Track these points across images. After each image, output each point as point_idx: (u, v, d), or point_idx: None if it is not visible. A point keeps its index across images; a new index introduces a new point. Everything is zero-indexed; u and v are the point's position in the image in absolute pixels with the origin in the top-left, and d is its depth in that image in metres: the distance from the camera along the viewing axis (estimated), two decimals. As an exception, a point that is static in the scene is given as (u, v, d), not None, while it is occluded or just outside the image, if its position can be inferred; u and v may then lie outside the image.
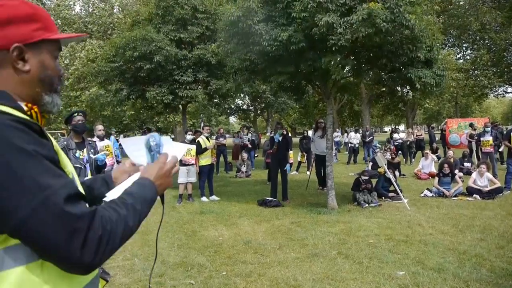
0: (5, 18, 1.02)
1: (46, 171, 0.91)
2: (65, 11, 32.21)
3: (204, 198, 9.47)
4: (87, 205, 0.99)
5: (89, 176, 4.40)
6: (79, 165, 4.30)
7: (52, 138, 1.06)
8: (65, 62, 29.46)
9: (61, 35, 1.13)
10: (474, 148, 13.83)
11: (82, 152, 4.38)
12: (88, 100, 27.79)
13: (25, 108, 1.03)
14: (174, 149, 1.41)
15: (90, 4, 35.12)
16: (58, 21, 31.45)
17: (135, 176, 1.31)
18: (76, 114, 4.52)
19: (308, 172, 12.70)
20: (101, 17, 32.97)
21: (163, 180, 1.22)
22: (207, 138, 9.64)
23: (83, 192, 1.09)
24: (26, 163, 0.88)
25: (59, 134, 23.06)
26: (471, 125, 15.50)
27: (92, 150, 4.58)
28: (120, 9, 35.26)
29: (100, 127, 6.46)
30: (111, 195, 1.18)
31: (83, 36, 1.29)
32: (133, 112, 29.89)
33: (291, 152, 14.33)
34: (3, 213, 0.87)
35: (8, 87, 1.03)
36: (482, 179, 9.21)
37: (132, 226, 1.04)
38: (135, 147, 1.41)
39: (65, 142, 4.38)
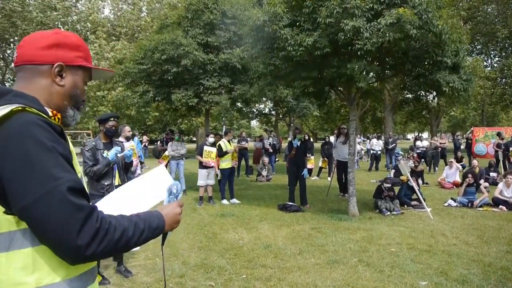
0: (58, 43, 1.27)
1: (59, 165, 1.07)
2: (95, 14, 33.07)
3: (224, 201, 9.54)
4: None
5: (117, 176, 4.51)
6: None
7: (69, 141, 1.24)
8: (93, 62, 30.19)
9: (94, 66, 1.39)
10: (500, 158, 13.50)
11: (109, 152, 4.49)
12: (114, 100, 28.38)
13: (50, 114, 1.20)
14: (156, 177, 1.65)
15: (118, 8, 35.93)
16: (88, 24, 32.29)
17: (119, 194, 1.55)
18: (112, 118, 4.64)
19: (329, 178, 12.63)
20: (129, 21, 33.67)
21: (173, 218, 1.38)
22: (228, 141, 9.73)
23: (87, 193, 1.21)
24: (43, 155, 1.04)
25: (84, 134, 23.58)
26: (498, 134, 15.13)
27: (119, 150, 4.69)
28: (147, 12, 35.92)
29: (127, 128, 6.59)
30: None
31: (111, 73, 1.55)
32: (157, 114, 30.34)
33: (312, 157, 14.30)
34: (16, 195, 1.02)
35: (42, 94, 1.23)
36: (509, 189, 8.97)
37: (131, 237, 1.16)
38: (159, 179, 1.64)
39: (93, 143, 4.50)
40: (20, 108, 1.08)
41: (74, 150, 1.24)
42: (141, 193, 1.56)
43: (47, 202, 1.01)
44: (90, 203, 1.12)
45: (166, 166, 12.20)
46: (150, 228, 1.24)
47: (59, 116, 1.25)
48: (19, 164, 1.02)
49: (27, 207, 1.01)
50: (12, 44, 29.29)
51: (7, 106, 1.08)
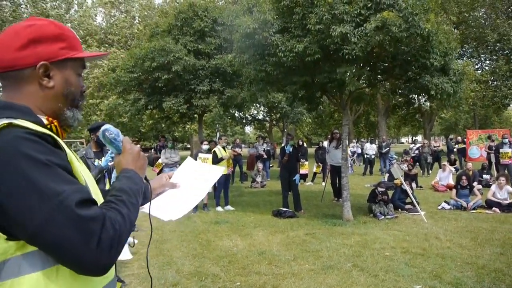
0: (34, 37, 1.09)
1: (59, 178, 0.96)
2: (87, 21, 33.09)
3: (219, 208, 9.50)
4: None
5: (108, 183, 4.49)
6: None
7: (67, 149, 1.10)
8: (86, 70, 30.17)
9: (83, 54, 1.20)
10: (493, 160, 13.59)
11: (101, 161, 4.48)
12: (107, 109, 28.30)
13: (46, 122, 1.09)
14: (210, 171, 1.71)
15: (111, 16, 36.00)
16: (81, 31, 32.30)
17: (171, 192, 1.56)
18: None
19: (323, 183, 12.63)
20: (122, 28, 33.72)
21: (139, 162, 1.28)
22: (223, 148, 9.72)
23: (98, 198, 1.13)
24: (39, 172, 0.93)
25: (78, 143, 23.47)
26: (489, 136, 15.25)
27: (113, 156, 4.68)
28: (140, 20, 35.99)
29: None
30: (146, 208, 1.40)
31: (104, 55, 1.37)
32: (151, 122, 30.28)
33: (306, 162, 14.30)
34: (20, 221, 0.91)
35: (32, 101, 1.09)
36: (502, 191, 9.02)
37: (133, 221, 1.09)
38: (190, 170, 1.65)
39: (84, 152, 4.50)
40: (4, 124, 0.96)
41: (73, 157, 1.11)
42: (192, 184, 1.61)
43: (56, 221, 0.91)
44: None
45: (158, 174, 12.17)
46: (138, 193, 1.17)
47: (55, 123, 1.12)
48: (15, 187, 0.91)
49: (36, 232, 0.91)
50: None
51: None
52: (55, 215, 0.91)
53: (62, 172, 0.98)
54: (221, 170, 1.72)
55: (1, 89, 1.17)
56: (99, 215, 0.97)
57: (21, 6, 29.67)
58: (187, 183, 1.62)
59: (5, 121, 0.97)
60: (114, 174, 4.43)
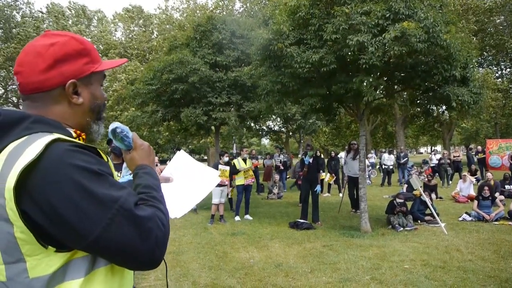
0: (59, 57, 1.09)
1: (113, 185, 1.01)
2: (107, 36, 33.94)
3: (237, 218, 9.60)
4: None
5: None
6: None
7: (108, 158, 1.17)
8: (106, 84, 30.85)
9: (106, 66, 1.21)
10: (516, 170, 13.26)
11: (120, 173, 4.54)
12: (126, 120, 28.77)
13: (74, 135, 1.11)
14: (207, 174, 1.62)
15: (130, 31, 36.82)
16: (101, 46, 33.09)
17: (166, 187, 1.46)
18: None
19: (340, 194, 12.51)
20: (140, 42, 34.41)
21: (152, 157, 1.31)
22: (243, 160, 9.92)
23: None
24: (95, 181, 0.97)
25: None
26: (512, 146, 14.92)
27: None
28: (158, 33, 36.64)
29: None
30: None
31: (124, 62, 1.37)
32: (167, 133, 30.62)
33: (323, 174, 14.19)
34: (81, 229, 0.95)
35: (61, 117, 1.11)
36: (526, 203, 8.78)
37: (168, 215, 1.14)
38: (183, 164, 1.58)
39: None
40: (53, 140, 0.98)
41: (112, 167, 1.15)
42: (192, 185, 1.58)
43: (119, 224, 0.97)
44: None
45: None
46: (160, 187, 1.20)
47: (83, 136, 1.15)
48: (73, 199, 0.94)
49: (98, 238, 0.95)
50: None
51: (31, 136, 0.99)
52: (118, 219, 0.97)
53: (113, 180, 1.03)
54: (217, 173, 1.68)
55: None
56: (153, 214, 1.04)
57: (44, 22, 30.67)
58: (182, 179, 1.57)
59: (52, 136, 0.99)
60: (124, 171, 4.47)
